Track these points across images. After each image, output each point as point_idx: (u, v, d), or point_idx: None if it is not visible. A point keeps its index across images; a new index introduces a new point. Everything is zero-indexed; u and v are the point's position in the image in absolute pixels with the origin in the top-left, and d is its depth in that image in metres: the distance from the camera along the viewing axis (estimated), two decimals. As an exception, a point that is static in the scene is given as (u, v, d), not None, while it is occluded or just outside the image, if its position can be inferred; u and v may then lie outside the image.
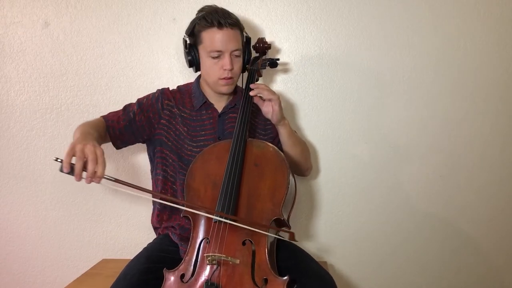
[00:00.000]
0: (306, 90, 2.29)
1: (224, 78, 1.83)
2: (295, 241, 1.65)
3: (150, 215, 2.07)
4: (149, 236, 2.13)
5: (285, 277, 1.51)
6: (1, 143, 2.33)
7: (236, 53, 1.82)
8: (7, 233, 2.41)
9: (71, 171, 1.39)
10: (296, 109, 2.31)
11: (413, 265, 2.41)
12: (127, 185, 1.50)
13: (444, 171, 2.33)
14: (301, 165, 2.01)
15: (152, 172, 2.05)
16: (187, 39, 1.90)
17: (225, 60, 1.79)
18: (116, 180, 1.48)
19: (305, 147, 2.05)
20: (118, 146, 1.94)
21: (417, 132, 2.30)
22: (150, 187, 2.03)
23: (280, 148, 1.93)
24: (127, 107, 1.96)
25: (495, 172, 2.32)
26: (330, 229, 2.39)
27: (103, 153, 1.46)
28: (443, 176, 2.33)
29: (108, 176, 1.45)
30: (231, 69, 1.81)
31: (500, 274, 2.41)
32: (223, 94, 1.93)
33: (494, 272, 2.41)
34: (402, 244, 2.39)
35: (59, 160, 1.40)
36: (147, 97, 1.98)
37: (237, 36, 1.82)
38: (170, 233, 1.96)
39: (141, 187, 1.54)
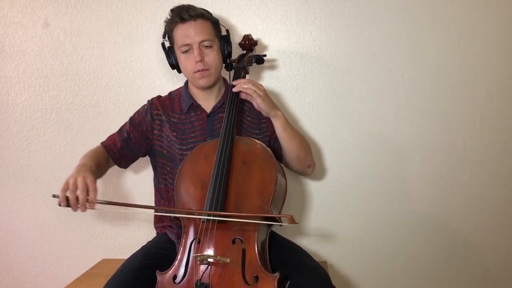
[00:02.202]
0: (306, 90, 2.29)
1: (198, 71, 1.84)
2: (296, 223, 1.56)
3: (150, 215, 2.08)
4: (149, 236, 2.13)
5: (276, 274, 1.50)
6: (1, 143, 2.34)
7: (205, 43, 1.83)
8: (7, 233, 2.42)
9: (68, 204, 1.53)
10: (296, 109, 2.31)
11: (413, 265, 2.39)
12: (120, 205, 1.66)
13: (444, 171, 2.31)
14: (301, 160, 1.98)
15: (154, 181, 2.07)
16: (166, 42, 1.94)
17: (194, 52, 1.81)
18: (110, 202, 1.60)
19: (304, 141, 2.01)
20: (123, 166, 2.03)
21: (417, 132, 2.29)
22: (152, 197, 2.07)
23: (277, 146, 1.94)
24: (122, 128, 2.01)
25: (495, 172, 2.30)
26: (330, 229, 2.38)
27: (93, 181, 1.58)
28: (443, 176, 2.31)
29: (101, 201, 1.57)
30: (201, 60, 1.82)
31: (498, 275, 2.40)
32: (204, 88, 1.93)
33: (492, 273, 2.39)
34: (401, 244, 2.38)
35: (56, 196, 1.54)
36: (138, 112, 2.01)
37: (203, 27, 1.83)
38: (168, 232, 1.97)
39: (133, 204, 1.81)
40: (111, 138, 1.98)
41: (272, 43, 2.26)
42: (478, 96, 2.25)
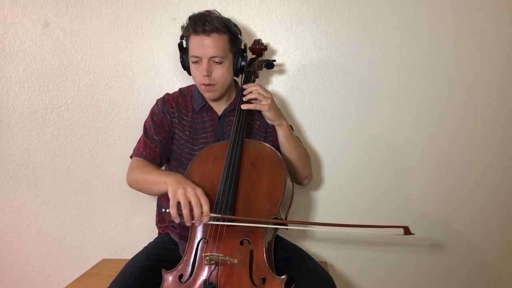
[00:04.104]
0: (306, 90, 2.29)
1: (203, 84, 1.82)
2: (412, 234, 1.55)
3: (150, 215, 2.07)
4: (149, 236, 2.14)
5: (283, 276, 1.51)
6: (1, 143, 2.33)
7: (216, 59, 1.78)
8: (7, 233, 2.41)
9: (182, 218, 1.51)
10: (295, 109, 2.31)
11: (412, 265, 2.40)
12: (235, 219, 1.60)
13: (444, 171, 2.32)
14: (299, 171, 1.98)
15: None
16: (183, 43, 1.90)
17: (202, 66, 1.78)
18: (223, 216, 1.59)
19: (304, 153, 2.01)
20: None
21: (417, 132, 2.30)
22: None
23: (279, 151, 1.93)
24: (147, 133, 1.94)
25: (494, 172, 2.31)
26: (330, 229, 2.38)
27: (203, 192, 1.54)
28: (443, 176, 2.32)
29: (215, 215, 1.56)
30: (208, 75, 1.79)
31: (497, 274, 2.41)
32: (209, 100, 1.93)
33: (492, 272, 2.41)
34: (401, 244, 2.39)
35: (167, 211, 1.52)
36: (154, 113, 1.95)
37: (216, 43, 1.77)
38: (170, 232, 1.97)
39: (249, 219, 1.62)
40: (144, 147, 1.90)
41: (272, 43, 2.27)
42: (478, 96, 2.26)
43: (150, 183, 1.73)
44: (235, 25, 1.86)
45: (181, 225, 1.88)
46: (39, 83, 2.29)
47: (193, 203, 1.50)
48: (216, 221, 1.60)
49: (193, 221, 1.52)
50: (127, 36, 2.27)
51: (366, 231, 1.55)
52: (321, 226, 1.71)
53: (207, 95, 1.88)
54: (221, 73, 1.82)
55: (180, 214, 1.51)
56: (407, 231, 1.52)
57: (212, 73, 1.80)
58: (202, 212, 1.51)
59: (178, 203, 1.52)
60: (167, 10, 2.25)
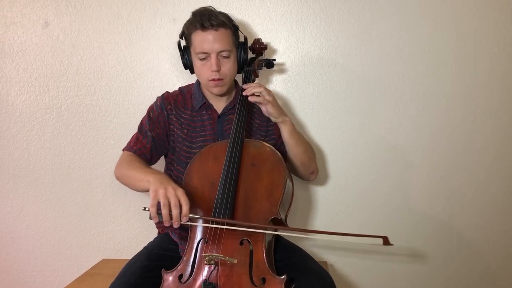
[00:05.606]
0: (306, 90, 2.29)
1: (212, 80, 1.82)
2: (391, 244, 1.50)
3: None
4: (149, 236, 2.13)
5: (283, 276, 1.51)
6: (1, 143, 2.33)
7: (224, 54, 1.80)
8: (7, 233, 2.41)
9: (161, 218, 1.49)
10: (295, 109, 2.31)
11: (412, 265, 2.40)
12: (215, 221, 1.60)
13: (444, 171, 2.32)
14: (305, 166, 1.98)
15: None
16: (182, 41, 1.90)
17: (211, 61, 1.78)
18: (202, 217, 1.62)
19: (309, 148, 2.01)
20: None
21: (417, 132, 2.29)
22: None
23: (282, 150, 1.92)
24: (141, 128, 1.94)
25: (495, 172, 2.31)
26: (329, 229, 2.37)
27: (184, 193, 1.52)
28: (443, 176, 2.32)
29: (195, 215, 1.57)
30: (218, 70, 1.79)
31: (497, 275, 2.41)
32: (216, 95, 1.92)
33: (492, 272, 2.41)
34: (400, 245, 2.39)
35: (147, 209, 1.50)
36: (151, 109, 1.96)
37: (223, 37, 1.78)
38: (170, 232, 1.97)
39: (229, 221, 1.60)
40: (136, 142, 1.90)
41: (272, 43, 2.27)
42: (478, 96, 2.26)
43: (135, 180, 1.71)
44: (233, 19, 1.88)
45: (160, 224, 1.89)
46: (39, 83, 2.29)
47: (172, 203, 1.48)
48: (213, 223, 1.61)
49: (172, 222, 1.50)
50: (127, 36, 2.27)
51: (346, 239, 1.53)
52: (301, 232, 1.70)
53: (215, 91, 1.87)
54: (229, 67, 1.84)
55: (160, 214, 1.49)
56: (386, 241, 1.49)
57: (221, 67, 1.81)
58: (181, 213, 1.50)
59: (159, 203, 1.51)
60: (167, 10, 2.25)
